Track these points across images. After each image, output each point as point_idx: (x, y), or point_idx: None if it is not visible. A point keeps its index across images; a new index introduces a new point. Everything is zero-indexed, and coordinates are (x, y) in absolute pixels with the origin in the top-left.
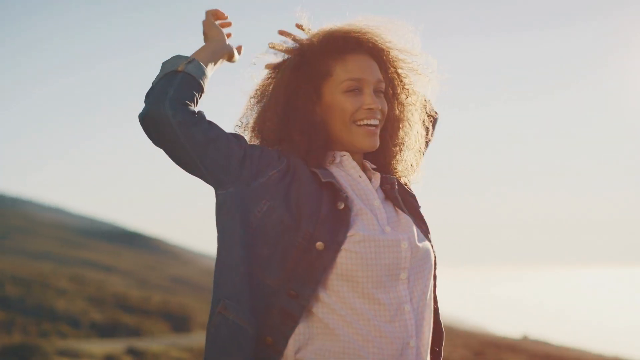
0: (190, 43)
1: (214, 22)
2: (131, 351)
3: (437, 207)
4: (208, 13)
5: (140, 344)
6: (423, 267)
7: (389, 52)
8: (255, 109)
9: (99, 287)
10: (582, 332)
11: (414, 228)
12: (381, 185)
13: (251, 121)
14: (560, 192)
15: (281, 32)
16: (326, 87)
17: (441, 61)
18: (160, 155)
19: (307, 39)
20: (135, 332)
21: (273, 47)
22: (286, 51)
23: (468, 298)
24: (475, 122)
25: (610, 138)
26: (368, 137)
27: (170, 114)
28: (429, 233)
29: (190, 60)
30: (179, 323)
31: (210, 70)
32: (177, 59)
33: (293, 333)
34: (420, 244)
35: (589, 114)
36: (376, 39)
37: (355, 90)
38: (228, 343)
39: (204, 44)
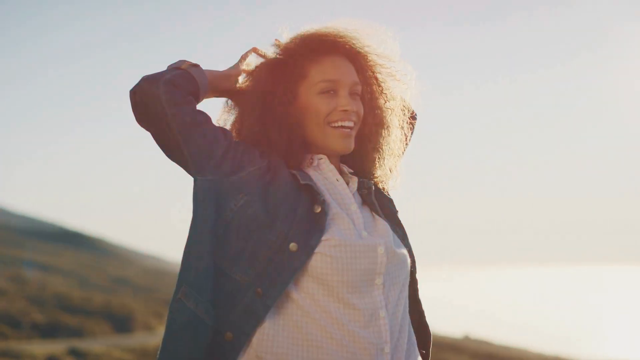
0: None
1: (246, 58)
2: (73, 352)
3: None
4: (250, 50)
5: (82, 344)
6: (399, 273)
7: (366, 55)
8: (233, 111)
9: (40, 287)
10: (524, 332)
11: (391, 233)
12: (358, 190)
13: (229, 123)
14: (499, 191)
15: (254, 50)
16: (301, 89)
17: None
18: (102, 155)
19: (284, 42)
20: (77, 333)
21: (255, 52)
22: (264, 56)
23: None
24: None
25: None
26: (342, 139)
27: (162, 91)
28: (406, 238)
29: (195, 65)
30: (121, 323)
31: (213, 88)
32: (182, 62)
33: (255, 332)
34: (397, 249)
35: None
36: (354, 42)
37: (330, 91)
38: (183, 331)
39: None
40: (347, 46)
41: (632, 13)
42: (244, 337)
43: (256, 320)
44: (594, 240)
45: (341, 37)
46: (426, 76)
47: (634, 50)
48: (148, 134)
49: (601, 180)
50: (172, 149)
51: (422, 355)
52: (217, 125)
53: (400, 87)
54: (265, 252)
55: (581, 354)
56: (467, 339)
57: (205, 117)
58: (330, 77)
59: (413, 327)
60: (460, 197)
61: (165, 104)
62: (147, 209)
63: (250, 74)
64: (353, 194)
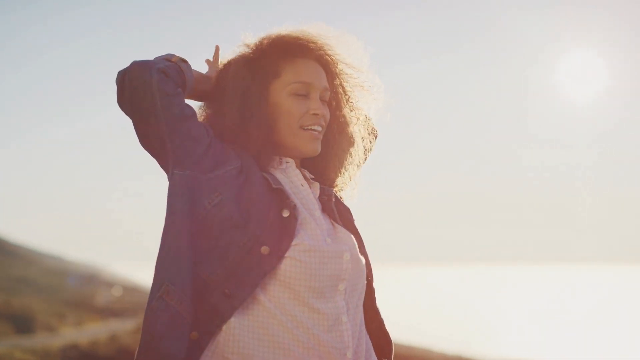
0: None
1: (218, 58)
2: None
3: None
4: (217, 50)
5: None
6: (359, 281)
7: (337, 63)
8: (208, 110)
9: None
10: (427, 332)
11: (354, 241)
12: (319, 196)
13: (202, 119)
14: (408, 186)
15: (218, 48)
16: (273, 87)
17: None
18: (2, 153)
19: (256, 41)
20: None
21: (217, 50)
22: (246, 45)
23: None
24: None
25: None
26: (312, 142)
27: (156, 79)
28: (363, 247)
29: (184, 60)
30: (23, 324)
31: (194, 88)
32: (172, 55)
33: (221, 331)
34: (359, 256)
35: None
36: (326, 48)
37: (302, 94)
38: (167, 331)
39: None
40: (319, 52)
41: (518, 3)
42: (207, 337)
43: (221, 321)
44: (505, 240)
45: (314, 41)
46: None
47: (520, 40)
48: (53, 131)
49: (497, 176)
50: (153, 139)
51: None
52: (200, 121)
53: (367, 97)
54: (235, 253)
55: (484, 354)
56: None
57: (192, 112)
58: (304, 80)
59: (374, 335)
60: (368, 194)
61: (156, 93)
62: (49, 209)
63: (225, 69)
64: (316, 200)
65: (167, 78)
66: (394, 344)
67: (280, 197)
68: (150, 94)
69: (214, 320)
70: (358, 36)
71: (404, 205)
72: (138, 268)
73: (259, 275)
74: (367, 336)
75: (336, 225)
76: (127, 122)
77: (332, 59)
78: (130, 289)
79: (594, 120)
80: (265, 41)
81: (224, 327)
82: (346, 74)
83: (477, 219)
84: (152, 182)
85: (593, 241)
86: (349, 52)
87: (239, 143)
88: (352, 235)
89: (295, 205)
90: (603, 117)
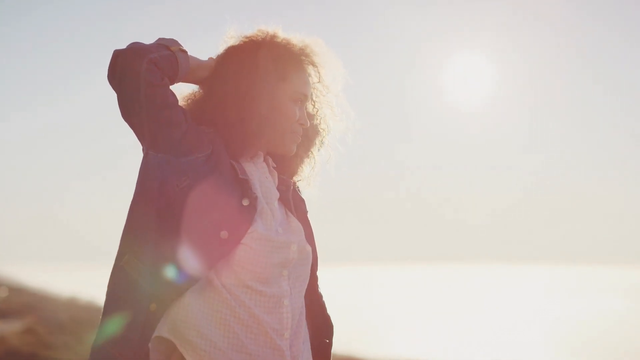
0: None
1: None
2: None
3: None
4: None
5: None
6: (304, 269)
7: (322, 81)
8: (200, 90)
9: None
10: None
11: (303, 232)
12: (278, 186)
13: (189, 101)
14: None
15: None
16: (279, 89)
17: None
18: None
19: (260, 36)
20: None
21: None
22: (245, 38)
23: None
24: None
25: None
26: (294, 145)
27: (144, 68)
28: (312, 237)
29: (183, 50)
30: None
31: (190, 74)
32: (174, 42)
33: (174, 305)
34: (306, 247)
35: None
36: (322, 66)
37: (299, 103)
38: (125, 298)
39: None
40: (316, 68)
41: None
42: (163, 309)
43: (176, 295)
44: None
45: (315, 57)
46: None
47: (402, 38)
48: None
49: (376, 176)
50: (134, 117)
51: (324, 344)
52: (180, 106)
53: (333, 118)
54: (195, 235)
55: (375, 354)
56: None
57: (174, 100)
58: (304, 92)
59: (316, 319)
60: None
61: (142, 82)
62: None
63: (226, 57)
64: (275, 190)
65: (157, 69)
66: None
67: (244, 187)
68: (136, 82)
69: (171, 294)
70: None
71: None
72: (23, 268)
73: (216, 258)
74: (305, 321)
75: (290, 215)
76: None
77: (321, 78)
78: (16, 290)
79: (481, 126)
80: (273, 41)
81: (178, 300)
82: (324, 91)
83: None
84: (30, 187)
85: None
86: (332, 73)
87: (227, 130)
88: (301, 227)
89: (256, 197)
90: (489, 123)
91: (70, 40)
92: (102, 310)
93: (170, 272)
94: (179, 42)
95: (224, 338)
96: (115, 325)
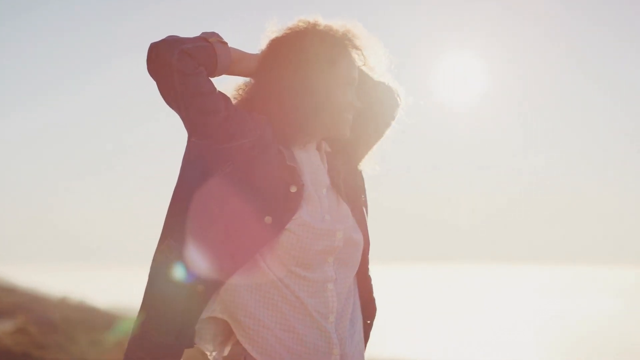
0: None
1: None
2: None
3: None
4: None
5: None
6: (351, 256)
7: (367, 63)
8: (253, 81)
9: None
10: None
11: (351, 219)
12: (329, 172)
13: (243, 93)
14: None
15: None
16: (329, 74)
17: None
18: None
19: (305, 22)
20: None
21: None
22: (288, 29)
23: None
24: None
25: None
26: (347, 127)
27: (175, 59)
28: (364, 221)
29: (222, 42)
30: None
31: (235, 67)
32: (213, 34)
33: (223, 288)
34: (353, 235)
35: None
36: (365, 49)
37: (349, 86)
38: (166, 282)
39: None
40: (360, 50)
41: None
42: (212, 290)
43: (224, 277)
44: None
45: (359, 40)
46: None
47: (392, 36)
48: None
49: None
50: (173, 105)
51: (365, 325)
52: (220, 94)
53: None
54: (241, 220)
55: (375, 354)
56: None
57: (209, 88)
58: (353, 74)
59: (362, 299)
60: None
61: (175, 72)
62: None
63: (275, 48)
64: (327, 176)
65: (189, 58)
66: None
67: (292, 173)
68: (169, 71)
69: (219, 277)
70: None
71: None
72: (13, 268)
73: (260, 243)
74: (358, 305)
75: (340, 201)
76: None
77: (366, 61)
78: (7, 290)
79: (472, 126)
80: (315, 29)
81: (226, 282)
82: (367, 74)
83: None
84: (21, 187)
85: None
86: (375, 55)
87: (280, 117)
88: (350, 213)
89: (303, 184)
90: (482, 123)
91: (70, 39)
92: (92, 308)
93: (213, 255)
94: (220, 35)
95: (271, 317)
96: (155, 306)
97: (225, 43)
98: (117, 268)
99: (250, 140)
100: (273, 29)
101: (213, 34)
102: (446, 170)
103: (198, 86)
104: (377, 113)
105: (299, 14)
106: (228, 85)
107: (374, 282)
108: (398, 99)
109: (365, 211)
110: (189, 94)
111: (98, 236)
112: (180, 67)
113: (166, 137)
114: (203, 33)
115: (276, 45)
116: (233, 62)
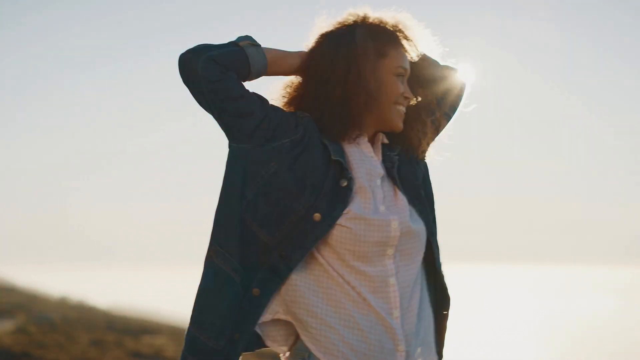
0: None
1: None
2: None
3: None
4: None
5: None
6: (412, 246)
7: (418, 54)
8: (298, 79)
9: None
10: None
11: (408, 208)
12: (384, 162)
13: (291, 92)
14: None
15: None
16: (380, 66)
17: None
18: None
19: (355, 15)
20: None
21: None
22: (338, 23)
23: (180, 296)
24: None
25: None
26: (400, 119)
27: (200, 67)
28: (425, 210)
29: (255, 44)
30: None
31: (276, 67)
32: (245, 38)
33: (279, 290)
34: (412, 225)
35: None
36: (415, 39)
37: (402, 77)
38: (213, 288)
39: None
40: (410, 40)
41: None
42: (268, 294)
43: (280, 279)
44: None
45: (409, 31)
46: None
47: None
48: None
49: None
50: (211, 114)
51: (442, 316)
52: (254, 96)
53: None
54: (291, 219)
55: None
56: None
57: (239, 92)
58: (405, 65)
59: (435, 291)
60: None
61: (202, 80)
62: None
63: (323, 43)
64: (381, 168)
65: (215, 65)
66: None
67: (338, 167)
68: (197, 79)
69: (275, 279)
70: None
71: None
72: (13, 268)
73: (312, 240)
74: (426, 295)
75: (397, 192)
76: None
77: (418, 51)
78: (7, 290)
79: (472, 125)
80: (366, 21)
81: (285, 282)
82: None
83: None
84: (20, 187)
85: None
86: (426, 46)
87: (332, 111)
88: (407, 203)
89: (351, 177)
90: (482, 122)
91: (70, 38)
92: (92, 308)
93: (270, 257)
94: (253, 37)
95: (334, 315)
96: (205, 312)
97: (258, 45)
98: (117, 268)
99: (292, 139)
100: (322, 24)
101: (246, 37)
102: (445, 170)
103: (227, 91)
104: (432, 103)
105: (345, 8)
106: (277, 84)
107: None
108: (461, 87)
109: (428, 200)
110: (218, 99)
111: (98, 236)
112: (206, 74)
113: (166, 137)
114: (237, 38)
115: (325, 39)
116: (272, 62)
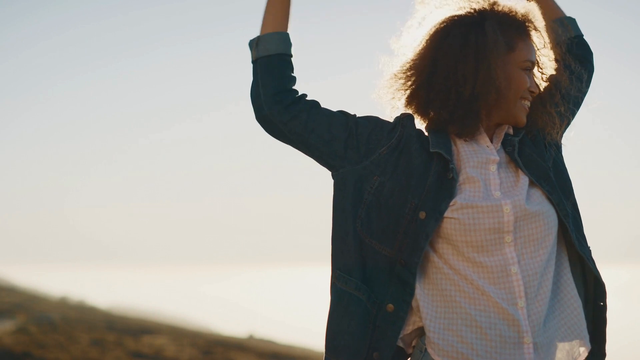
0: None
1: None
2: None
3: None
4: None
5: None
6: (536, 231)
7: (547, 45)
8: (415, 72)
9: None
10: (307, 331)
11: (525, 191)
12: (504, 147)
13: (412, 81)
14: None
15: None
16: (509, 59)
17: None
18: None
19: (480, 7)
20: None
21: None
22: (461, 11)
23: (180, 296)
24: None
25: None
26: (525, 114)
27: (272, 112)
28: (556, 191)
29: (257, 42)
30: None
31: (282, 22)
32: (250, 46)
33: (413, 299)
34: (528, 207)
35: None
36: (540, 30)
37: (528, 71)
38: (341, 311)
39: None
40: (538, 32)
41: None
42: (405, 306)
43: (411, 289)
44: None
45: (536, 22)
46: None
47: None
48: None
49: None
50: (306, 153)
51: (598, 307)
52: (334, 117)
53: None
54: (402, 225)
55: None
56: (252, 338)
57: (315, 120)
58: (532, 59)
59: (581, 279)
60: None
61: (279, 125)
62: None
63: (441, 34)
64: (498, 152)
65: (276, 102)
66: (279, 343)
67: (440, 159)
68: (275, 126)
69: (405, 289)
70: None
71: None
72: (13, 268)
73: (423, 239)
74: (564, 284)
75: (520, 175)
76: None
77: (546, 43)
78: (7, 290)
79: None
80: (496, 10)
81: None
82: (549, 57)
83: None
84: (18, 187)
85: None
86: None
87: (460, 108)
88: (526, 186)
89: (453, 167)
90: None
91: (70, 39)
92: (92, 308)
93: (394, 269)
94: (248, 40)
95: (450, 314)
96: (338, 337)
97: (260, 37)
98: (117, 268)
99: (388, 145)
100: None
101: (250, 43)
102: None
103: (304, 125)
104: (543, 101)
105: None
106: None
107: None
108: (585, 76)
109: (561, 183)
110: (300, 136)
111: (98, 236)
112: (279, 117)
113: (167, 137)
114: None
115: (452, 26)
116: (274, 22)
